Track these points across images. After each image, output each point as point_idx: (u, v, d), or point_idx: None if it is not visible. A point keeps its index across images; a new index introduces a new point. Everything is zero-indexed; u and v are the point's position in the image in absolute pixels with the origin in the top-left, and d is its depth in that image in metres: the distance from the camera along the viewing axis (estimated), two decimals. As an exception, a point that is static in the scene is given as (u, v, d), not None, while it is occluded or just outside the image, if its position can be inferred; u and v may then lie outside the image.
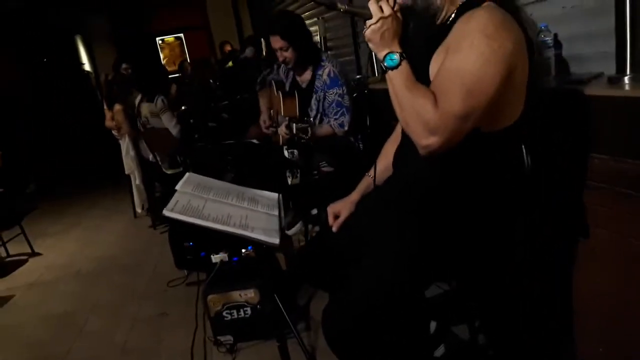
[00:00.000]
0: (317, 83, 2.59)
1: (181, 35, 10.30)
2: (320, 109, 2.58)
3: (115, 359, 2.55)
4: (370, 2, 1.25)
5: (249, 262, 2.39)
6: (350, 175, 1.88)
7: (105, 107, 4.29)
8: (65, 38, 8.23)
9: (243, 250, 2.41)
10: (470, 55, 1.13)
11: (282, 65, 2.70)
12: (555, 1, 1.87)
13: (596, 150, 1.51)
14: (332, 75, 2.53)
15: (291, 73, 2.73)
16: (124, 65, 4.42)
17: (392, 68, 1.22)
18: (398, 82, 1.21)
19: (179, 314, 2.73)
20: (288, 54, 2.55)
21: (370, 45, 1.27)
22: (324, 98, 2.56)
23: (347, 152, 2.49)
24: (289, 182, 2.54)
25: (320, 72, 2.58)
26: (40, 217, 5.61)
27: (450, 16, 1.28)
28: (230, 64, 3.76)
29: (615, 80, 1.48)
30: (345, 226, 1.56)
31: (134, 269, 3.58)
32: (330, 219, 1.60)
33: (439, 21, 1.31)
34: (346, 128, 2.53)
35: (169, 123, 3.96)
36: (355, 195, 1.62)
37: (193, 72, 5.54)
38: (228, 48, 6.31)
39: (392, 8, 1.24)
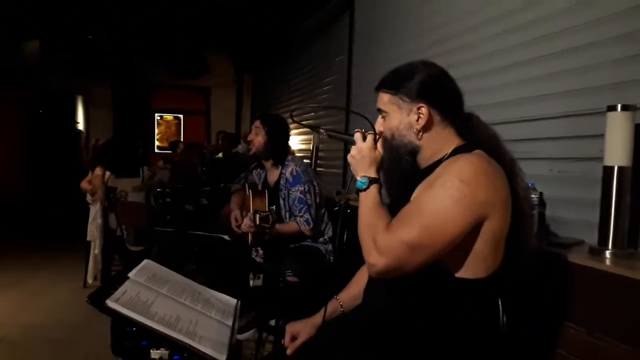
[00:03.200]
0: (282, 181, 2.65)
1: (180, 115, 10.56)
2: (287, 207, 2.61)
3: None
4: (355, 130, 1.38)
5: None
6: (315, 289, 1.79)
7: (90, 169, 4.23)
8: (66, 96, 8.38)
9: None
10: (439, 193, 1.16)
11: (256, 169, 2.78)
12: (543, 163, 1.94)
13: (572, 319, 1.45)
14: (294, 173, 2.61)
15: (263, 174, 2.79)
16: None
17: (361, 190, 1.30)
18: (364, 202, 1.28)
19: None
20: (259, 139, 2.65)
21: (351, 168, 1.37)
22: (288, 196, 2.60)
23: (316, 264, 2.42)
24: (251, 284, 2.42)
25: (284, 171, 2.66)
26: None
27: (442, 158, 1.31)
28: (220, 155, 3.81)
29: (596, 252, 1.48)
30: (302, 350, 1.44)
31: (66, 345, 3.26)
32: (287, 340, 1.48)
33: (424, 161, 1.35)
34: (311, 225, 2.55)
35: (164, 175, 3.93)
36: (318, 318, 1.51)
37: (183, 153, 5.59)
38: (221, 138, 6.43)
39: (375, 139, 1.35)
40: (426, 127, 1.31)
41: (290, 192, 2.61)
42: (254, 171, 2.92)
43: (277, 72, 6.83)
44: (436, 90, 1.32)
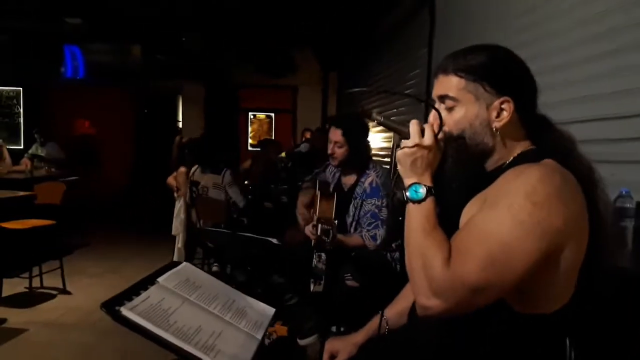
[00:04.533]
0: (358, 189, 2.50)
1: (272, 114, 10.83)
2: (356, 217, 2.45)
3: None
4: (413, 121, 1.10)
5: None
6: (378, 296, 1.65)
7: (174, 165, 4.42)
8: (168, 96, 8.94)
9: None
10: (506, 219, 0.93)
11: (330, 167, 2.65)
12: (642, 166, 1.64)
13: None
14: (374, 184, 2.44)
15: (337, 174, 2.65)
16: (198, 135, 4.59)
17: (414, 201, 1.05)
18: (416, 219, 1.04)
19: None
20: (340, 151, 2.51)
21: (399, 167, 1.11)
22: (361, 206, 2.45)
23: (378, 270, 2.27)
24: (311, 289, 2.34)
25: (363, 179, 2.50)
26: (87, 255, 5.72)
27: (503, 164, 1.10)
28: (283, 154, 3.78)
29: None
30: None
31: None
32: (325, 358, 1.37)
33: (489, 167, 1.13)
34: (378, 242, 2.39)
35: (237, 196, 4.06)
36: (360, 337, 1.38)
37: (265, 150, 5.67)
38: (307, 135, 6.44)
39: (436, 136, 1.08)
40: (505, 127, 1.08)
41: (364, 203, 2.47)
42: (328, 168, 2.81)
43: (361, 70, 6.73)
44: (521, 82, 1.09)
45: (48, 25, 6.38)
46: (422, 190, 1.05)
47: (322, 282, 2.37)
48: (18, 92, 8.06)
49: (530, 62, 1.11)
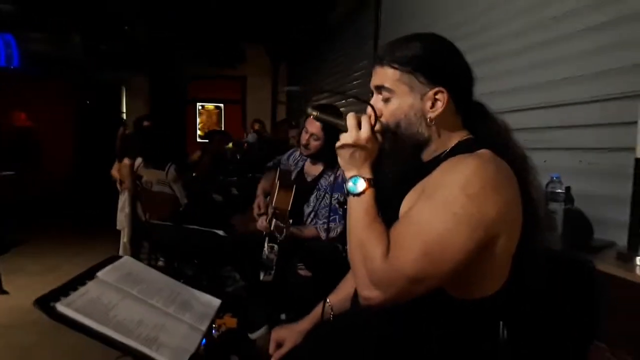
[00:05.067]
0: (323, 182, 2.48)
1: (221, 105, 10.66)
2: (315, 208, 2.45)
3: None
4: (349, 114, 1.11)
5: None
6: (327, 284, 1.67)
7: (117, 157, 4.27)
8: (111, 87, 8.62)
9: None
10: (441, 212, 0.96)
11: (293, 154, 2.63)
12: (572, 153, 1.73)
13: (599, 337, 1.27)
14: (340, 179, 2.35)
15: (301, 163, 2.62)
16: (145, 123, 4.45)
17: (354, 194, 1.07)
18: (356, 212, 1.06)
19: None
20: (315, 144, 2.47)
21: (339, 160, 1.12)
22: (323, 198, 2.44)
23: (330, 260, 2.27)
24: (261, 278, 2.33)
25: (329, 172, 2.48)
26: (25, 252, 5.45)
27: (441, 154, 1.12)
28: (230, 145, 3.74)
29: (626, 258, 1.28)
30: (287, 358, 1.33)
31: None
32: (271, 348, 1.38)
33: (426, 157, 1.15)
34: (333, 235, 2.37)
35: (181, 193, 3.93)
36: (305, 324, 1.40)
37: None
38: (256, 127, 6.39)
39: (372, 128, 1.09)
40: (439, 117, 1.09)
41: (327, 196, 2.44)
42: (292, 156, 2.76)
43: (310, 61, 6.73)
44: (455, 72, 1.10)
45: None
46: (361, 183, 1.07)
47: (273, 272, 2.36)
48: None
49: (468, 54, 1.14)
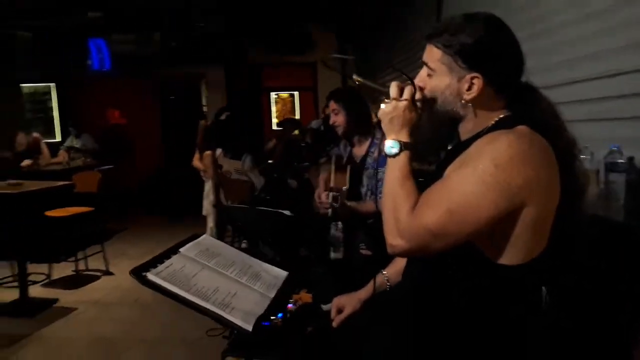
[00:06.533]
0: (369, 159, 2.56)
1: (295, 93, 10.90)
2: (371, 186, 2.53)
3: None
4: (393, 83, 1.22)
5: (276, 331, 2.34)
6: (387, 261, 1.78)
7: (197, 148, 4.60)
8: (191, 81, 9.13)
9: (272, 317, 2.37)
10: (470, 177, 1.05)
11: (344, 141, 2.73)
12: (635, 123, 1.68)
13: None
14: (383, 154, 2.48)
15: (348, 147, 2.73)
16: (222, 116, 4.73)
17: (390, 156, 1.19)
18: (391, 170, 1.19)
19: (204, 366, 2.73)
20: (338, 119, 2.59)
21: (382, 124, 1.24)
22: (374, 175, 2.50)
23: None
24: (331, 256, 2.48)
25: (373, 149, 2.55)
26: (126, 238, 6.04)
27: (480, 132, 1.18)
28: (296, 132, 3.89)
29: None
30: (347, 323, 1.47)
31: (186, 309, 3.66)
32: (333, 313, 1.52)
33: (465, 134, 1.22)
34: None
35: (257, 179, 4.16)
36: (363, 293, 1.53)
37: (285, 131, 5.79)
38: (327, 111, 6.51)
39: (413, 96, 1.19)
40: (475, 99, 1.15)
41: (377, 172, 2.48)
42: (341, 143, 2.91)
43: (377, 42, 6.71)
44: (497, 61, 1.13)
45: (71, 20, 6.61)
46: (396, 147, 1.18)
47: (341, 249, 2.50)
48: (51, 88, 8.38)
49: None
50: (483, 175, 1.03)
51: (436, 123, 1.21)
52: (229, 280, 1.34)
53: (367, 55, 7.37)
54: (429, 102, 1.21)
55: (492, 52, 1.14)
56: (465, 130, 1.22)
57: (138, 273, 1.17)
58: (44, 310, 3.76)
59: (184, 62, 7.65)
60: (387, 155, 1.20)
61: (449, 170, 1.14)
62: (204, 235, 1.55)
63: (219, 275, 1.34)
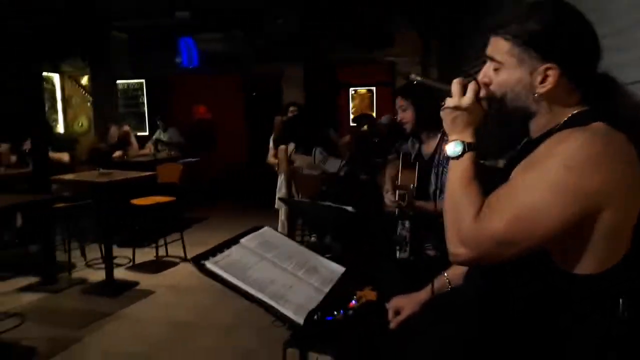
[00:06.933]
0: (438, 157, 2.45)
1: (373, 88, 10.84)
2: (438, 184, 2.43)
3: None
4: (455, 80, 1.15)
5: (338, 326, 2.34)
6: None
7: (271, 144, 4.69)
8: (272, 79, 9.37)
9: (335, 312, 2.38)
10: (539, 181, 0.97)
11: (412, 139, 2.66)
12: None
13: None
14: (444, 153, 2.37)
15: (417, 144, 2.65)
16: (291, 108, 4.80)
17: (453, 157, 1.12)
18: (453, 173, 1.12)
19: (270, 355, 2.77)
20: (406, 115, 2.51)
21: (443, 123, 1.18)
22: (442, 173, 2.40)
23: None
24: (397, 256, 2.43)
25: (442, 146, 2.45)
26: (204, 228, 6.32)
27: (552, 128, 1.09)
28: (365, 127, 3.83)
29: None
30: (405, 326, 1.43)
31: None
32: (390, 314, 1.48)
33: (536, 131, 1.13)
34: None
35: (334, 167, 4.13)
36: (423, 295, 1.47)
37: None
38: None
39: (477, 95, 1.12)
40: (549, 93, 1.07)
41: (445, 169, 2.41)
42: (410, 139, 2.83)
43: (465, 38, 6.45)
44: (571, 48, 1.04)
45: (162, 21, 7.02)
46: (459, 148, 1.11)
47: (408, 249, 2.45)
48: (141, 84, 8.95)
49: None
50: (553, 178, 0.95)
51: (504, 121, 1.14)
52: (285, 273, 1.35)
53: (452, 50, 7.13)
54: (495, 99, 1.13)
55: (565, 39, 1.04)
56: (537, 127, 1.13)
57: (197, 261, 1.21)
58: (126, 291, 4.03)
59: (266, 60, 7.86)
60: (449, 157, 1.14)
61: (515, 171, 1.06)
62: (265, 228, 1.57)
63: (276, 267, 1.36)
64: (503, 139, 1.20)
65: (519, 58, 1.07)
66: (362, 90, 11.05)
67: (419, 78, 1.26)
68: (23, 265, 4.56)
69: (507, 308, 1.10)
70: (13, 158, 4.89)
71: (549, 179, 0.95)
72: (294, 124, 4.54)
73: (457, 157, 1.12)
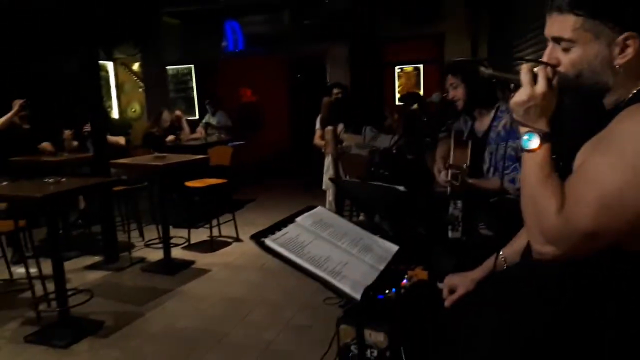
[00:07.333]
0: (492, 134, 2.40)
1: (420, 66, 10.62)
2: (493, 162, 2.38)
3: (258, 355, 2.80)
4: (524, 67, 1.09)
5: (390, 304, 2.38)
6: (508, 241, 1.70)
7: (318, 125, 4.72)
8: (316, 59, 9.36)
9: (387, 291, 2.42)
10: (619, 164, 0.93)
11: (464, 116, 2.60)
12: None
13: None
14: (508, 127, 2.31)
15: (469, 122, 2.59)
16: (335, 90, 4.79)
17: (527, 150, 1.07)
18: (530, 168, 1.06)
19: (321, 331, 2.84)
20: (457, 92, 2.46)
21: (514, 116, 1.12)
22: (497, 150, 2.35)
23: (515, 219, 2.22)
24: (450, 235, 2.42)
25: (496, 123, 2.39)
26: (255, 209, 6.47)
27: (621, 102, 1.06)
28: (415, 106, 3.76)
29: None
30: (460, 304, 1.44)
31: (306, 277, 3.80)
32: (445, 293, 1.49)
33: (608, 105, 1.09)
34: (517, 185, 2.24)
35: (386, 142, 4.11)
36: (478, 273, 1.47)
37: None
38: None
39: (550, 81, 1.07)
40: (628, 63, 1.02)
41: (499, 147, 2.37)
42: (462, 117, 2.78)
43: (515, 13, 6.19)
44: None
45: (209, 5, 7.12)
46: (535, 139, 1.06)
47: (460, 228, 2.43)
48: (190, 69, 9.15)
49: None
50: (633, 159, 0.92)
51: (582, 101, 1.11)
52: (340, 251, 1.38)
53: (504, 23, 6.88)
54: (570, 81, 1.08)
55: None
56: (610, 102, 1.09)
57: (257, 238, 1.26)
58: (183, 269, 4.21)
59: (311, 40, 7.84)
60: (524, 150, 1.07)
61: (586, 152, 1.03)
62: (318, 207, 1.61)
63: (331, 245, 1.39)
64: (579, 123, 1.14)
65: (594, 31, 1.03)
66: (409, 68, 10.83)
67: (488, 71, 1.19)
68: (87, 245, 4.84)
69: (567, 288, 1.09)
70: (75, 143, 5.15)
71: (629, 161, 0.92)
72: (341, 105, 4.54)
73: (532, 150, 1.06)
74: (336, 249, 1.38)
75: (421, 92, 9.42)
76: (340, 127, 4.47)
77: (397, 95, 10.53)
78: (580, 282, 1.07)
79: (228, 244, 4.95)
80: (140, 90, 9.01)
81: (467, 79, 2.43)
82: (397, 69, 10.69)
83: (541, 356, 1.11)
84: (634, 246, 0.99)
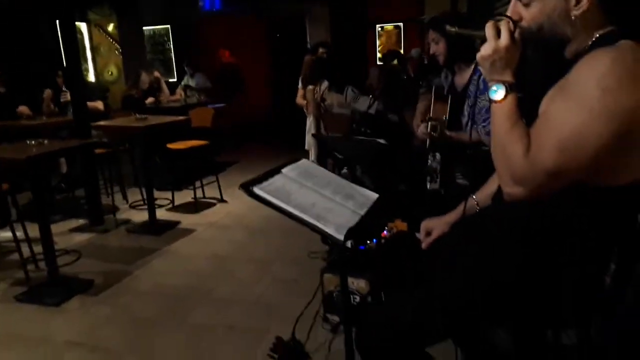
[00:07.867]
0: (471, 87, 2.45)
1: (400, 24, 10.54)
2: (471, 115, 2.45)
3: (247, 307, 2.91)
4: (488, 23, 1.16)
5: (370, 254, 2.50)
6: None
7: (300, 85, 4.73)
8: (295, 20, 9.21)
9: (368, 242, 2.53)
10: (576, 107, 1.01)
11: (444, 71, 2.66)
12: None
13: None
14: (483, 80, 2.35)
15: (450, 76, 2.65)
16: (320, 50, 4.78)
17: (496, 101, 1.15)
18: (498, 116, 1.14)
19: (307, 283, 2.96)
20: (438, 47, 2.50)
21: (481, 70, 1.20)
22: (475, 104, 2.41)
23: (490, 169, 2.32)
24: (428, 187, 2.52)
25: (475, 77, 2.43)
26: (237, 170, 6.52)
27: (582, 49, 1.13)
28: (395, 62, 3.80)
29: None
30: (435, 245, 1.54)
31: (292, 233, 3.79)
32: (422, 235, 1.59)
33: (568, 55, 1.17)
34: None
35: (364, 106, 4.16)
36: (452, 216, 1.57)
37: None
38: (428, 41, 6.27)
39: (512, 34, 1.14)
40: (583, 14, 1.09)
41: (478, 100, 2.42)
42: (442, 73, 2.83)
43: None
44: None
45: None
46: (502, 90, 1.13)
47: (438, 180, 2.53)
48: (167, 30, 8.96)
49: None
50: (589, 101, 0.99)
51: (544, 53, 1.17)
52: (324, 198, 1.46)
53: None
54: (532, 33, 1.15)
55: None
56: (570, 52, 1.16)
57: (247, 187, 1.33)
58: (168, 230, 4.28)
59: (288, 1, 7.72)
60: (491, 101, 1.15)
61: (549, 98, 1.10)
62: (303, 159, 1.67)
63: (316, 193, 1.47)
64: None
65: None
66: (389, 26, 10.76)
67: (454, 29, 1.26)
68: (70, 209, 4.86)
69: (538, 231, 1.19)
70: (54, 108, 5.08)
71: (586, 104, 0.99)
72: (325, 64, 4.54)
73: (500, 101, 1.13)
74: (320, 196, 1.46)
75: (402, 51, 9.40)
76: (325, 85, 4.48)
77: (379, 55, 10.51)
78: (545, 222, 1.17)
79: (212, 204, 5.02)
80: (117, 52, 8.81)
81: (446, 35, 2.47)
82: (378, 28, 10.61)
83: (510, 293, 1.22)
84: (596, 182, 1.08)
